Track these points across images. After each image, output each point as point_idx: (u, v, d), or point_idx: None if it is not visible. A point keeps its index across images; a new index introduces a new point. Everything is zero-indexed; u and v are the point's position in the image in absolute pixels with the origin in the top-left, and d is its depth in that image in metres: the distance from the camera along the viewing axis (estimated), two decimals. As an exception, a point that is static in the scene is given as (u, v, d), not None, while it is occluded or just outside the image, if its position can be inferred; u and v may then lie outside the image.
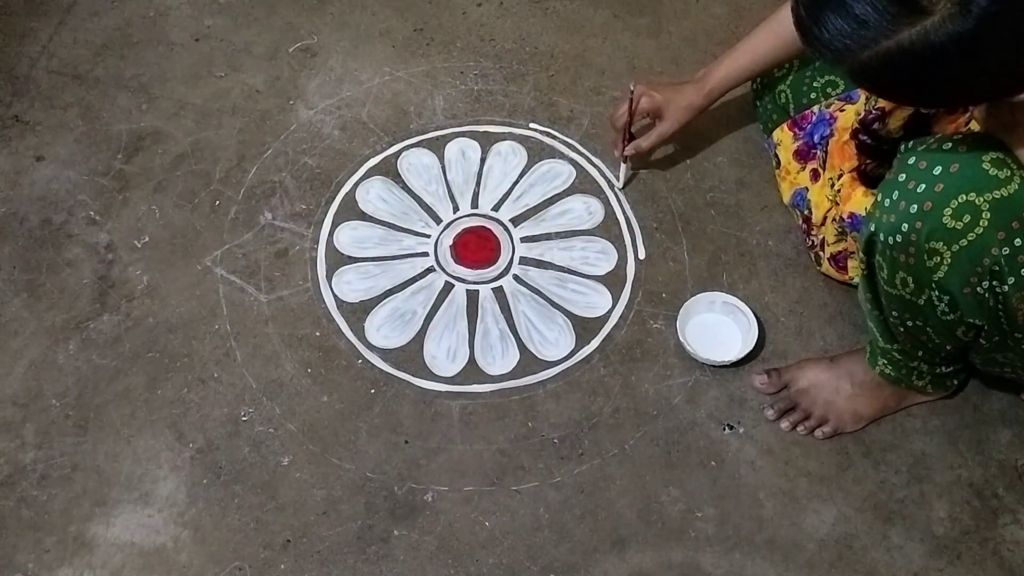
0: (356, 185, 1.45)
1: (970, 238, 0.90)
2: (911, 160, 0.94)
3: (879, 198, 0.97)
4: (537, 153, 1.49)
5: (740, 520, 1.17)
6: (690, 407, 1.25)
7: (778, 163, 1.37)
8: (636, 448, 1.22)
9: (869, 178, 1.23)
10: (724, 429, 1.24)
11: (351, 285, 1.36)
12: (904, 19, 0.72)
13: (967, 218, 0.90)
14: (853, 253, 1.25)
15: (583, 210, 1.44)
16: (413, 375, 1.28)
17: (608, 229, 1.42)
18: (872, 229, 0.98)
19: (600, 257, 1.39)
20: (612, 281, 1.37)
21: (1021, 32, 0.72)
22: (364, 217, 1.43)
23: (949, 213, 0.90)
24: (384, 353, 1.30)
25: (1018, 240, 0.89)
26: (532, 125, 1.51)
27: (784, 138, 1.34)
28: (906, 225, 0.93)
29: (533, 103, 1.55)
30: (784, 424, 1.23)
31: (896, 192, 0.94)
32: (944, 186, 0.91)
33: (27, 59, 1.59)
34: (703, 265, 1.38)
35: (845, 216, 1.21)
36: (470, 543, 1.15)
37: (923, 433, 1.23)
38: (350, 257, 1.39)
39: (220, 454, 1.21)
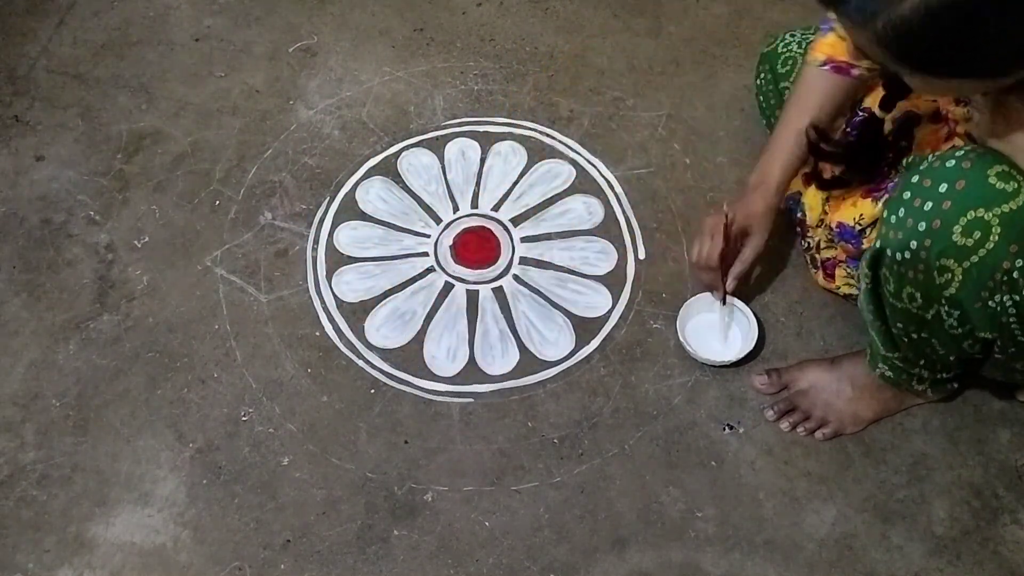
0: (356, 185, 1.46)
1: (981, 254, 0.90)
2: (915, 179, 0.93)
3: (885, 215, 0.97)
4: (537, 153, 1.49)
5: (740, 520, 1.17)
6: (690, 407, 1.25)
7: None
8: (636, 448, 1.22)
9: (820, 179, 1.21)
10: (724, 429, 1.24)
11: (351, 285, 1.36)
12: None
13: (977, 234, 0.89)
14: (842, 262, 1.25)
15: (583, 210, 1.43)
16: (413, 375, 1.28)
17: (608, 229, 1.42)
18: (879, 245, 0.98)
19: (600, 257, 1.39)
20: (612, 281, 1.37)
21: None
22: (364, 217, 1.43)
23: (959, 231, 0.90)
24: (384, 353, 1.30)
25: None
26: (531, 125, 1.52)
27: None
28: (915, 243, 0.93)
29: (533, 103, 1.54)
30: (784, 425, 1.23)
31: (902, 209, 0.94)
32: (951, 203, 0.90)
33: (27, 59, 1.59)
34: (703, 265, 1.37)
35: (833, 225, 1.20)
36: (470, 543, 1.15)
37: (923, 433, 1.23)
38: (350, 257, 1.39)
39: (220, 454, 1.21)
